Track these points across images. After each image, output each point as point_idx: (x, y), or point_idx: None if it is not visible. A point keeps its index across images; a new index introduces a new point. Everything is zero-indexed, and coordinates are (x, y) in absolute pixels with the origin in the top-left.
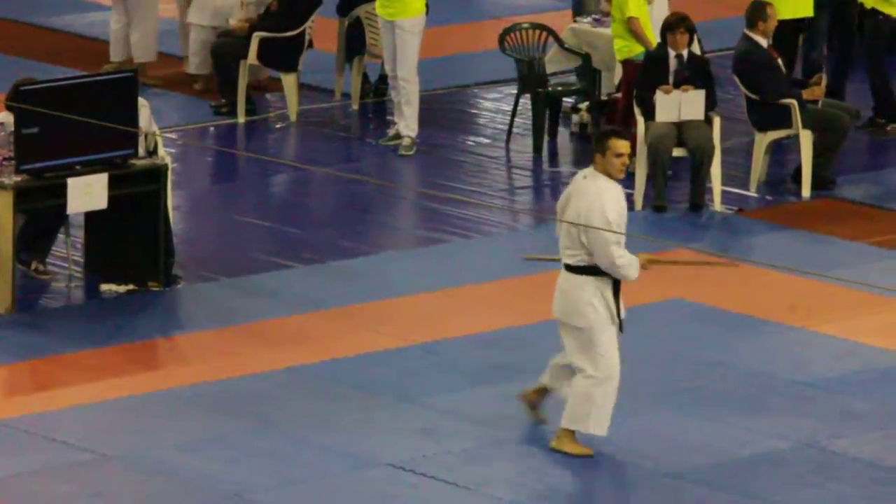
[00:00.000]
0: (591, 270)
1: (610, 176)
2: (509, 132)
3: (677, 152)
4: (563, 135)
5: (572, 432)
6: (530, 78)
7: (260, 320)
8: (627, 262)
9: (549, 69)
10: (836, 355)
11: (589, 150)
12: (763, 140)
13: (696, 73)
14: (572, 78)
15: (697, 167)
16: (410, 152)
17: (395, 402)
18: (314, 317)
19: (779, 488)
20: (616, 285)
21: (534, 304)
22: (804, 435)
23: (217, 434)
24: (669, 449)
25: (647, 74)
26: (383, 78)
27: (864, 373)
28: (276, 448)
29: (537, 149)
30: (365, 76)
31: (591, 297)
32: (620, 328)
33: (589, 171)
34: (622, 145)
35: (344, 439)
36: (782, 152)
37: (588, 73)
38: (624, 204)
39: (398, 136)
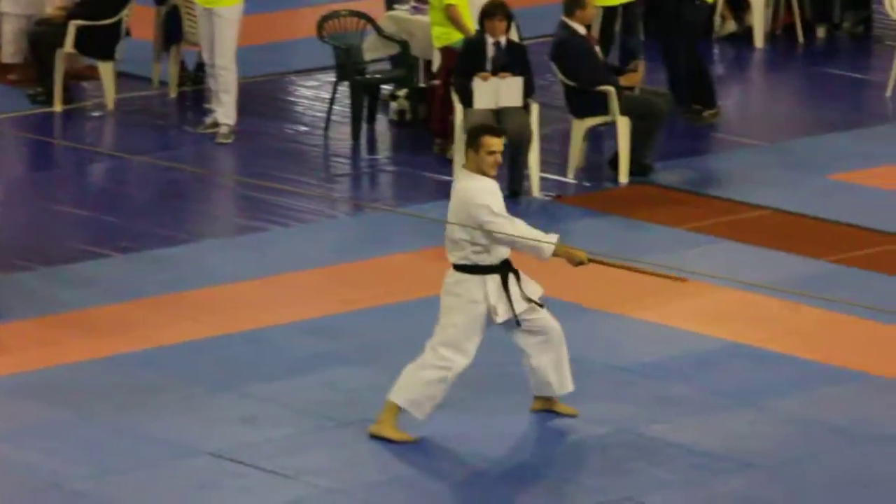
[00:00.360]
0: (475, 269)
1: (483, 173)
2: (328, 120)
3: None
4: (382, 122)
5: (394, 417)
6: (348, 66)
7: (78, 309)
8: (534, 234)
9: (368, 57)
10: (653, 341)
11: (406, 137)
12: (580, 127)
13: (513, 60)
14: (390, 65)
15: (515, 154)
16: (228, 140)
17: (216, 391)
18: (133, 306)
19: (597, 473)
20: (504, 280)
21: (355, 292)
22: (622, 420)
23: (36, 423)
24: (488, 436)
25: (465, 62)
26: (201, 66)
27: (680, 358)
28: (96, 437)
29: (355, 137)
30: (182, 64)
31: (475, 295)
32: (517, 322)
33: (461, 171)
34: (495, 143)
35: (164, 428)
36: (600, 139)
37: (406, 60)
38: (499, 196)
39: (216, 124)
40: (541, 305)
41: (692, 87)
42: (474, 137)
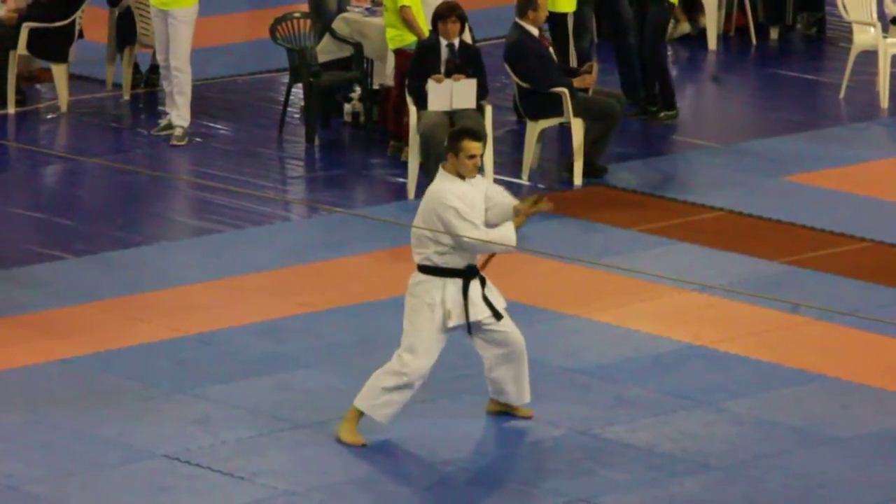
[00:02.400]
0: (436, 271)
1: (461, 176)
2: (282, 122)
3: None
4: (336, 124)
5: (355, 421)
6: (302, 67)
7: (33, 312)
8: (498, 236)
9: (321, 59)
10: (609, 342)
11: (361, 140)
12: (535, 128)
13: (467, 62)
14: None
15: None
16: (183, 142)
17: (170, 393)
18: (87, 308)
19: (552, 475)
20: (465, 285)
21: (309, 295)
22: (577, 422)
23: None
24: (443, 439)
25: (418, 63)
26: (154, 68)
27: (636, 360)
28: (50, 440)
29: (310, 139)
30: (136, 66)
31: (433, 297)
32: (470, 330)
33: (440, 172)
34: (475, 147)
35: (118, 430)
36: (554, 140)
37: (360, 62)
38: (472, 198)
39: (170, 126)
40: (499, 317)
41: (647, 87)
42: (455, 140)
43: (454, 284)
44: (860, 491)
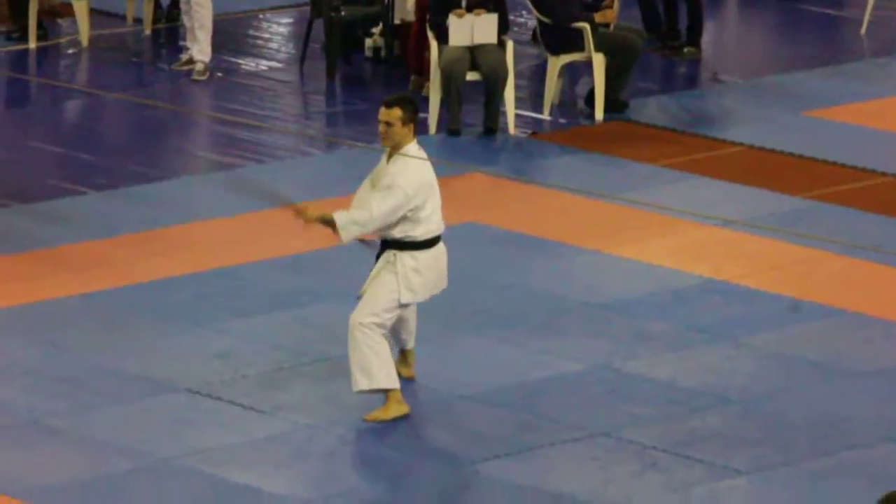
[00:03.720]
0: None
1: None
2: (303, 57)
3: (471, 76)
4: (357, 59)
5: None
6: (323, 3)
7: (54, 246)
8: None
9: None
10: (630, 277)
11: (382, 75)
12: (556, 63)
13: None
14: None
15: (491, 91)
16: (204, 77)
17: (191, 327)
18: (108, 243)
19: (573, 410)
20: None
21: (328, 229)
22: (598, 357)
23: (11, 360)
24: (464, 372)
25: None
26: (175, 2)
27: (657, 294)
28: (72, 373)
29: (331, 73)
30: (157, 1)
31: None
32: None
33: None
34: (381, 113)
35: (139, 364)
36: (575, 75)
37: None
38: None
39: (191, 61)
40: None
41: (669, 22)
42: None
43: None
44: (881, 425)
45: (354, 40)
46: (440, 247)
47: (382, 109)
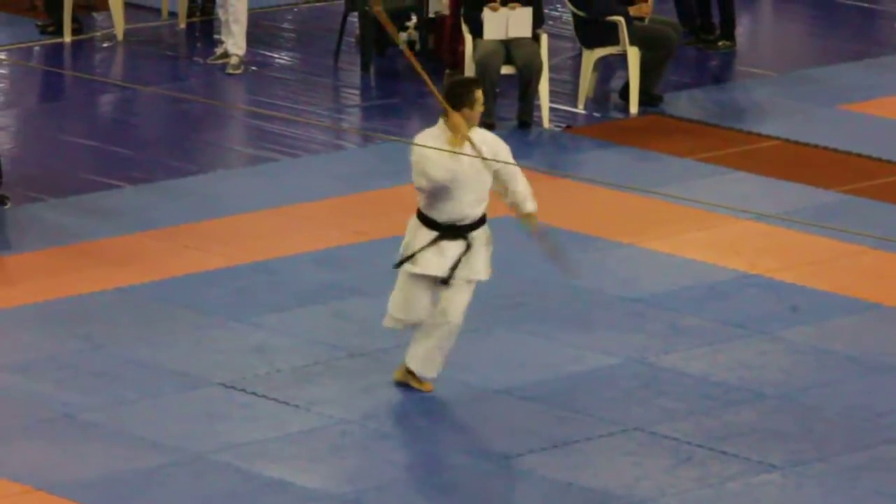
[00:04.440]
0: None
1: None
2: (337, 50)
3: (505, 70)
4: (392, 53)
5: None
6: None
7: (90, 240)
8: None
9: None
10: (664, 271)
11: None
12: (590, 57)
13: None
14: None
15: (525, 85)
16: (238, 71)
17: (226, 322)
18: (144, 237)
19: (607, 404)
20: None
21: (364, 223)
22: (633, 351)
23: (47, 354)
24: (498, 366)
25: None
26: None
27: (692, 288)
28: (107, 368)
29: (365, 67)
30: None
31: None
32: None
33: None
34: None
35: (174, 359)
36: (610, 69)
37: None
38: None
39: (226, 55)
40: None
41: (703, 16)
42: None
43: None
44: None
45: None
46: None
47: (479, 91)
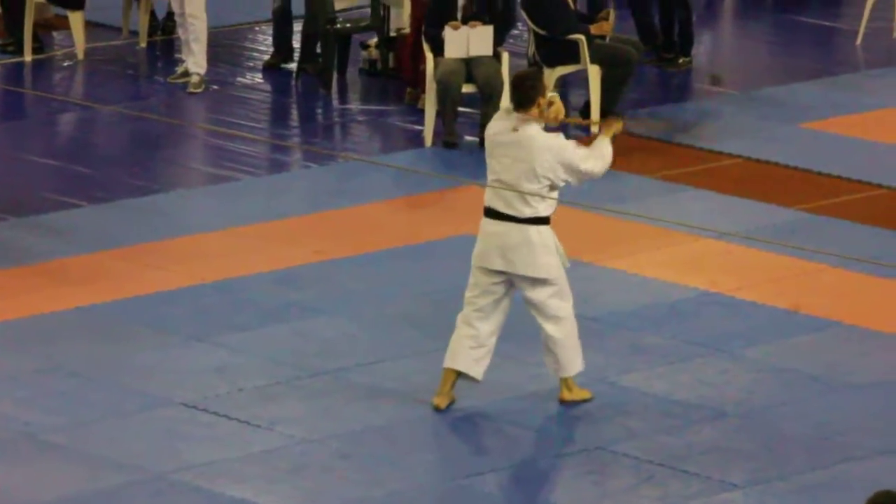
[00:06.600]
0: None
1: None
2: (298, 69)
3: (466, 88)
4: (352, 71)
5: (572, 384)
6: (319, 15)
7: (50, 259)
8: (604, 152)
9: (338, 6)
10: (624, 290)
11: (377, 87)
12: (552, 75)
13: (483, 9)
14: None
15: (486, 103)
16: (199, 89)
17: (188, 341)
18: (104, 255)
19: (568, 423)
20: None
21: (324, 243)
22: (594, 370)
23: (7, 374)
24: (458, 385)
25: (435, 10)
26: (171, 15)
27: (652, 307)
28: (68, 388)
29: (326, 86)
30: (152, 14)
31: (554, 244)
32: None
33: (517, 118)
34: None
35: (136, 379)
36: (570, 87)
37: (377, 9)
38: None
39: (187, 74)
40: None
41: (664, 34)
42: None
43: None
44: (877, 438)
45: (349, 52)
46: (490, 222)
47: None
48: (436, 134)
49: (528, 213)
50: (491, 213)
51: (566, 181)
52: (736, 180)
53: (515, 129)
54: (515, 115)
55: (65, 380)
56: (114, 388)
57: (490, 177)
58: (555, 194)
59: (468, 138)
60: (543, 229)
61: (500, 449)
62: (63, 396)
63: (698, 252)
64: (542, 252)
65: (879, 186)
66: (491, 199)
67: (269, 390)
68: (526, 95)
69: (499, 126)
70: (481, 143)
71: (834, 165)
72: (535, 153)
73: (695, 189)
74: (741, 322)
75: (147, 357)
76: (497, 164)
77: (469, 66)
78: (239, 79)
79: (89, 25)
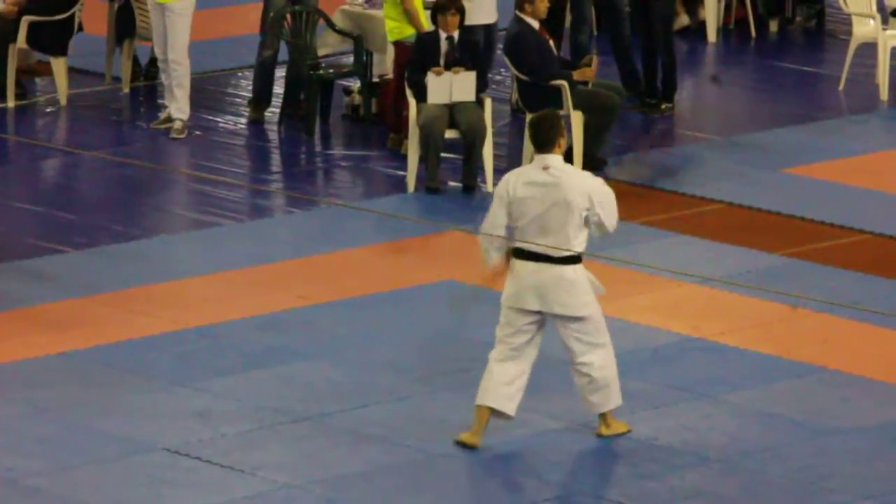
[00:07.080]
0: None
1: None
2: (281, 115)
3: (449, 134)
4: (335, 117)
5: (612, 418)
6: (302, 61)
7: (32, 305)
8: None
9: (321, 52)
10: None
11: (360, 132)
12: None
13: (466, 55)
14: (344, 60)
15: (469, 148)
16: (182, 135)
17: (170, 386)
18: (87, 301)
19: (552, 468)
20: None
21: (307, 288)
22: (578, 415)
23: None
24: (443, 430)
25: (418, 56)
26: (154, 61)
27: (636, 352)
28: (50, 433)
29: (309, 131)
30: (135, 59)
31: (588, 281)
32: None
33: (547, 159)
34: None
35: (119, 424)
36: None
37: (360, 55)
38: None
39: (170, 119)
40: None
41: (647, 80)
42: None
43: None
44: (860, 483)
45: (332, 98)
46: (524, 263)
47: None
48: (418, 179)
49: (563, 252)
50: (523, 254)
51: (598, 218)
52: (719, 226)
53: (546, 168)
54: (537, 156)
55: (47, 425)
56: (96, 433)
57: (520, 222)
58: (586, 231)
59: (451, 183)
60: (578, 267)
61: (482, 493)
62: (45, 442)
63: (682, 297)
64: (580, 291)
65: (862, 232)
66: (522, 241)
67: (252, 435)
68: (547, 137)
69: (523, 171)
70: (464, 188)
71: (817, 211)
72: (567, 189)
73: (678, 234)
74: (725, 367)
75: (130, 402)
76: (524, 207)
77: (452, 112)
78: (222, 124)
79: (72, 71)
